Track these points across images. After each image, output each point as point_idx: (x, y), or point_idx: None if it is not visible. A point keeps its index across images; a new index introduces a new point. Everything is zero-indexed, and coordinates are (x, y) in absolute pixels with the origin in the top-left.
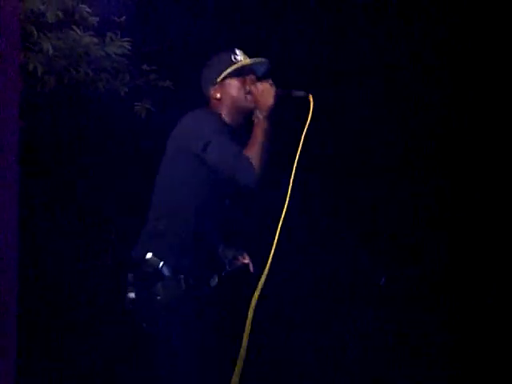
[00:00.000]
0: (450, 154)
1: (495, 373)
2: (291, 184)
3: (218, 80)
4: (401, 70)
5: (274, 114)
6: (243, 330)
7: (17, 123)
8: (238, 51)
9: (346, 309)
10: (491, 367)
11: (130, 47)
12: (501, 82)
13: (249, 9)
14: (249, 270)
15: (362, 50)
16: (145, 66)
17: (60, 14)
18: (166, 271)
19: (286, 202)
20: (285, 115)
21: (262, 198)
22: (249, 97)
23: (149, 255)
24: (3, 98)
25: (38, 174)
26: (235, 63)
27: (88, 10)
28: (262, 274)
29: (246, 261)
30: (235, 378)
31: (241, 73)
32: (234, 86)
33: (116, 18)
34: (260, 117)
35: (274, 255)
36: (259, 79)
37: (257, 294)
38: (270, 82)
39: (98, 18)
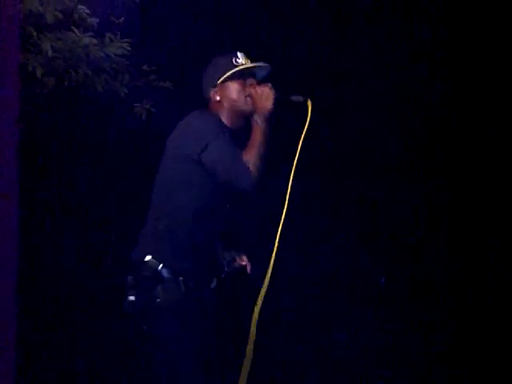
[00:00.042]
0: (450, 153)
1: (495, 373)
2: (289, 189)
3: (218, 82)
4: (401, 70)
5: (272, 118)
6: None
7: (16, 124)
8: (239, 54)
9: (345, 309)
10: (491, 367)
11: (129, 48)
12: (501, 81)
13: (249, 9)
14: (246, 271)
15: (362, 49)
16: (145, 67)
17: (59, 14)
18: (165, 274)
19: (285, 206)
20: (283, 119)
21: (261, 200)
22: (248, 100)
23: (148, 257)
24: (3, 99)
25: (37, 175)
26: (236, 66)
27: (87, 10)
28: (260, 275)
29: (244, 262)
30: None
31: (241, 76)
32: (233, 88)
33: (115, 19)
34: (258, 120)
35: (274, 259)
36: (259, 83)
37: (260, 300)
38: (270, 85)
39: (97, 19)
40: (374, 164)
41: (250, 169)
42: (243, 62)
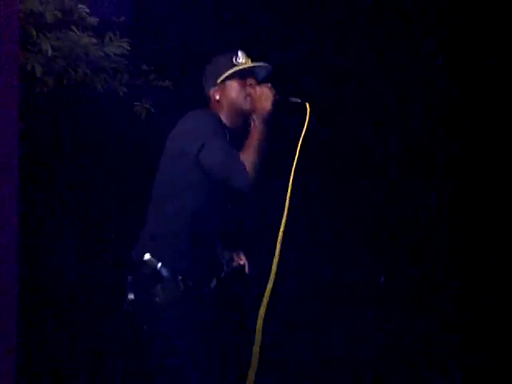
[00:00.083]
0: (450, 154)
1: (495, 373)
2: (289, 192)
3: (218, 81)
4: (401, 70)
5: (271, 118)
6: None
7: (16, 124)
8: (240, 53)
9: (345, 309)
10: (491, 367)
11: (128, 47)
12: (501, 81)
13: (249, 9)
14: (244, 271)
15: (361, 49)
16: (144, 66)
17: (59, 14)
18: (164, 273)
19: (286, 209)
20: (282, 120)
21: (260, 200)
22: (248, 99)
23: (147, 256)
24: (2, 98)
25: (37, 175)
26: (236, 65)
27: (87, 10)
28: (259, 275)
29: (242, 261)
30: None
31: (241, 75)
32: (233, 87)
33: (115, 18)
34: (257, 120)
35: (277, 262)
36: (259, 83)
37: (265, 300)
38: (269, 86)
39: (97, 19)
40: (374, 164)
41: (247, 169)
42: (243, 61)
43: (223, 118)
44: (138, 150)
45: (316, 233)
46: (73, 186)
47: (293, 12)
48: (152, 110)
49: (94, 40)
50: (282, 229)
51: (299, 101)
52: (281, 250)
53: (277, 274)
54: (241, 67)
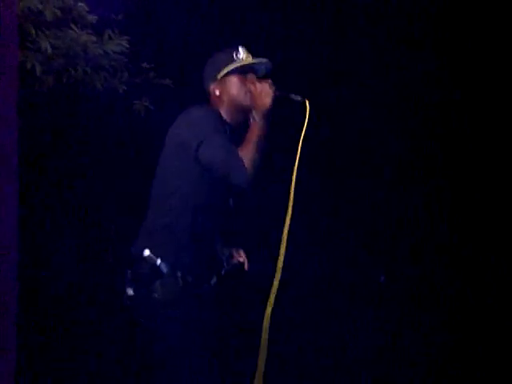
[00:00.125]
0: (450, 153)
1: (495, 373)
2: (292, 192)
3: (219, 77)
4: (401, 70)
5: (270, 114)
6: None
7: (15, 122)
8: (240, 49)
9: (345, 309)
10: (491, 367)
11: (128, 45)
12: (502, 81)
13: (249, 8)
14: (244, 268)
15: (361, 49)
16: (144, 64)
17: (58, 12)
18: (163, 268)
19: (290, 208)
20: (282, 117)
21: (259, 196)
22: (248, 95)
23: (146, 252)
24: (1, 97)
25: (37, 173)
26: (236, 61)
27: (86, 8)
28: (258, 272)
29: (242, 258)
30: None
31: (241, 71)
32: (233, 83)
33: (114, 16)
34: (256, 117)
35: (280, 262)
36: (260, 79)
37: (271, 299)
38: (270, 82)
39: (96, 16)
40: (374, 164)
41: (246, 165)
42: (244, 57)
43: (223, 113)
44: (138, 148)
45: (316, 232)
46: (72, 184)
47: (293, 12)
48: (152, 108)
49: (93, 38)
50: (286, 228)
51: (299, 98)
52: (285, 248)
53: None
54: (241, 63)
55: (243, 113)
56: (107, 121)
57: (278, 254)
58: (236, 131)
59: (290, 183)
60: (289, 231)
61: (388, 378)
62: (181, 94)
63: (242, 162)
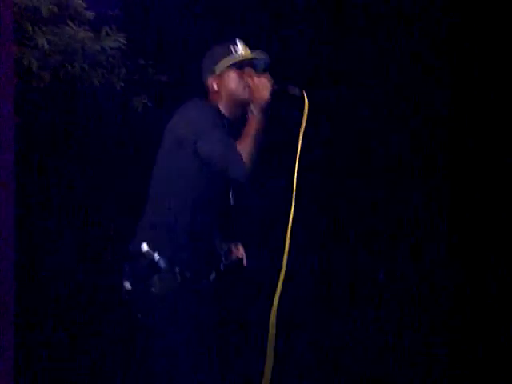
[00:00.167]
0: (451, 153)
1: (495, 373)
2: (295, 188)
3: (217, 72)
4: (401, 70)
5: (269, 108)
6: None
7: (12, 119)
8: (238, 43)
9: (345, 309)
10: (491, 367)
11: (125, 41)
12: (502, 81)
13: (248, 6)
14: (242, 263)
15: (362, 49)
16: (141, 61)
17: (54, 8)
18: (161, 263)
19: (292, 204)
20: (280, 111)
21: (258, 191)
22: (246, 90)
23: (145, 247)
24: None
25: (34, 169)
26: (234, 55)
27: (83, 4)
28: (258, 268)
29: (240, 253)
30: None
31: (239, 65)
32: (231, 77)
33: (111, 12)
34: (254, 111)
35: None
36: (258, 72)
37: (278, 291)
38: (267, 75)
39: (93, 13)
40: (374, 164)
41: (244, 159)
42: (242, 51)
43: (222, 108)
44: (136, 145)
45: (316, 232)
46: (70, 181)
47: (293, 12)
48: (149, 105)
49: (90, 34)
50: (290, 224)
51: (297, 90)
52: (290, 245)
53: (276, 274)
54: (239, 58)
55: (241, 107)
56: (105, 117)
57: (276, 249)
58: (234, 125)
59: (291, 177)
60: (284, 231)
61: (388, 378)
62: (179, 91)
63: (240, 156)
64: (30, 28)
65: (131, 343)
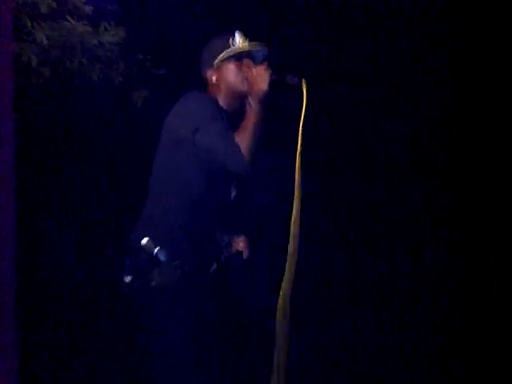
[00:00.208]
0: (451, 153)
1: (495, 373)
2: (300, 185)
3: (215, 64)
4: (401, 70)
5: (267, 99)
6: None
7: (12, 115)
8: (237, 34)
9: (345, 309)
10: (491, 367)
11: (123, 36)
12: (502, 81)
13: (249, 9)
14: (242, 256)
15: (362, 49)
16: (139, 55)
17: (53, 3)
18: (161, 257)
19: (296, 209)
20: (279, 102)
21: (258, 183)
22: (245, 82)
23: (145, 240)
24: None
25: (33, 165)
26: (233, 47)
27: None
28: (257, 263)
29: (241, 248)
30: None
31: (238, 57)
32: (230, 69)
33: (110, 7)
34: (253, 102)
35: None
36: (256, 63)
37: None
38: (266, 66)
39: (91, 7)
40: (374, 164)
41: (242, 151)
42: (240, 43)
43: (220, 100)
44: (135, 139)
45: (316, 232)
46: (70, 177)
47: (293, 12)
48: (148, 99)
49: (89, 29)
50: (294, 217)
51: (296, 80)
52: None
53: (276, 274)
54: (237, 50)
55: (240, 99)
56: (104, 112)
57: (276, 243)
58: (233, 118)
59: (291, 169)
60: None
61: (388, 378)
62: (178, 85)
63: (239, 148)
64: (29, 23)
65: (132, 338)
